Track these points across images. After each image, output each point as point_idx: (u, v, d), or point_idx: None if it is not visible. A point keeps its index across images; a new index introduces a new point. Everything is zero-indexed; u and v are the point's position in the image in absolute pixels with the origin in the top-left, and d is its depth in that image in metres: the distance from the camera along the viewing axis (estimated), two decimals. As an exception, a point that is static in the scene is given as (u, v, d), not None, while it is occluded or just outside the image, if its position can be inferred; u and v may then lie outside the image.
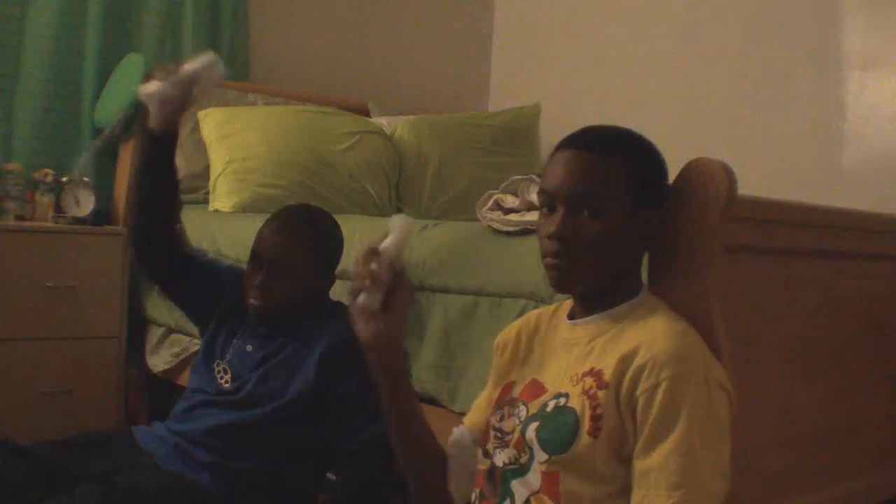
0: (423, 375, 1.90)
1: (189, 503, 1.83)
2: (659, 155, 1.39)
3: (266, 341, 1.99)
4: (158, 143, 1.98)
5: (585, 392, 1.27)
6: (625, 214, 1.32)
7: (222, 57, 3.31)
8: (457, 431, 1.49)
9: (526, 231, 1.80)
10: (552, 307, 1.51)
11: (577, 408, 1.28)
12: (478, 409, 1.52)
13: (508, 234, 1.84)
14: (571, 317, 1.42)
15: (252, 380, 1.94)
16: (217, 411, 1.95)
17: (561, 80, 3.76)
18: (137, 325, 2.91)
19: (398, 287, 1.35)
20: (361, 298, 1.36)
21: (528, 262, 1.74)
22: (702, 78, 3.27)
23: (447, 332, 1.87)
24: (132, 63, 3.08)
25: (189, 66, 1.91)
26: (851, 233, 1.76)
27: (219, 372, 1.99)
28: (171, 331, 2.78)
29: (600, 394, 1.26)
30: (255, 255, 1.99)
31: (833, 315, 1.74)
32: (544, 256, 1.34)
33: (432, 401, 1.90)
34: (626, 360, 1.25)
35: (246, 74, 3.43)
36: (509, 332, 1.51)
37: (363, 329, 1.36)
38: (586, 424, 1.26)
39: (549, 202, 1.35)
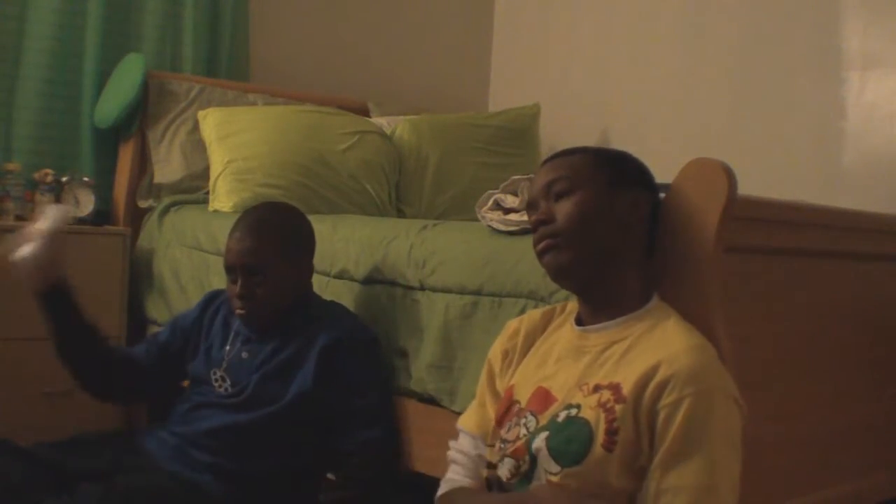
0: (423, 375, 1.90)
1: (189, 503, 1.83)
2: (629, 154, 1.46)
3: (261, 346, 1.99)
4: (52, 302, 1.98)
5: (601, 405, 1.27)
6: (599, 192, 1.37)
7: (222, 57, 3.36)
8: (460, 455, 1.50)
9: (526, 231, 1.80)
10: (557, 307, 1.51)
11: (591, 420, 1.27)
12: (478, 413, 1.52)
13: (508, 233, 1.84)
14: (579, 322, 1.42)
15: (252, 383, 1.95)
16: (217, 413, 1.95)
17: (561, 80, 3.76)
18: (137, 325, 2.91)
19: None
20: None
21: (527, 262, 1.74)
22: (702, 78, 3.27)
23: (447, 332, 1.87)
24: (132, 63, 3.08)
25: (44, 224, 1.94)
26: (851, 233, 1.76)
27: (216, 380, 1.99)
28: (171, 331, 2.78)
29: (618, 408, 1.25)
30: (228, 267, 2.00)
31: (833, 315, 1.74)
32: (535, 247, 1.40)
33: (432, 401, 1.90)
34: (646, 376, 1.25)
35: (246, 74, 3.43)
36: (513, 335, 1.51)
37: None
38: (601, 437, 1.25)
39: (533, 209, 1.43)
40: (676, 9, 3.37)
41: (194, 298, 2.66)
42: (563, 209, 1.37)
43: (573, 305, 1.47)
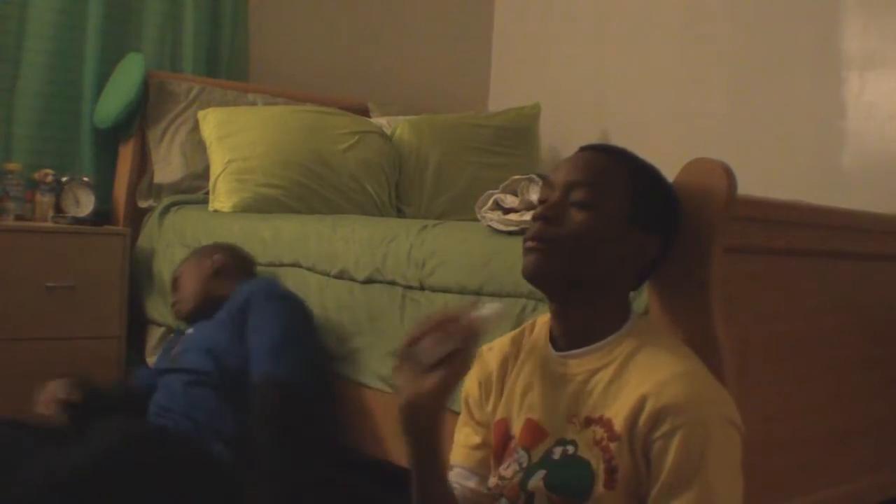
0: (423, 375, 1.90)
1: (197, 453, 1.93)
2: (668, 184, 1.37)
3: (203, 321, 2.27)
4: None
5: (597, 443, 1.24)
6: (615, 221, 1.29)
7: (223, 57, 3.36)
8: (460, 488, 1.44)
9: (526, 231, 1.80)
10: (526, 327, 1.45)
11: (591, 460, 1.25)
12: (467, 445, 1.46)
13: (508, 233, 1.84)
14: (554, 343, 1.36)
15: (192, 348, 2.16)
16: (171, 378, 2.15)
17: (561, 80, 3.76)
18: (137, 325, 2.91)
19: (464, 353, 1.26)
20: (421, 347, 1.26)
21: (528, 262, 1.74)
22: (702, 78, 3.27)
23: (447, 332, 1.86)
24: (132, 63, 3.08)
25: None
26: (851, 233, 1.76)
27: (173, 357, 2.25)
28: (171, 331, 2.78)
29: (612, 446, 1.23)
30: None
31: (833, 315, 1.74)
32: (525, 241, 1.32)
33: (432, 401, 1.89)
34: (635, 410, 1.21)
35: (246, 74, 3.43)
36: (486, 365, 1.44)
37: (409, 382, 1.26)
38: (602, 477, 1.23)
39: (547, 194, 1.34)
40: (676, 9, 3.37)
41: (194, 298, 2.66)
42: (573, 219, 1.28)
43: (542, 319, 1.42)
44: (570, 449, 1.28)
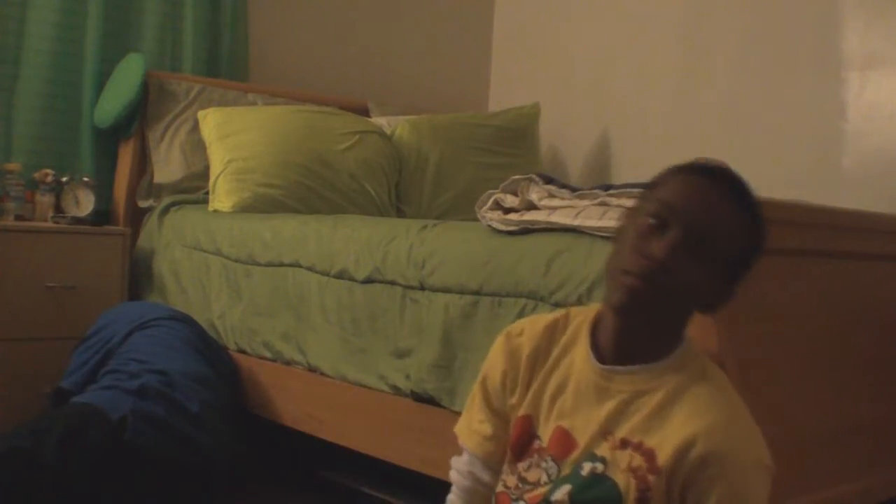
0: (423, 375, 1.90)
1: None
2: (766, 232, 1.31)
3: None
4: None
5: (632, 470, 1.23)
6: (719, 277, 1.27)
7: (222, 57, 3.36)
8: (466, 479, 1.43)
9: (526, 231, 1.80)
10: (560, 319, 1.39)
11: (621, 483, 1.24)
12: (479, 433, 1.43)
13: (508, 233, 1.84)
14: (596, 351, 1.32)
15: None
16: None
17: (561, 80, 3.76)
18: (137, 325, 2.90)
19: None
20: None
21: (527, 262, 1.74)
22: (702, 78, 3.27)
23: (447, 332, 1.87)
24: (132, 63, 3.08)
25: None
26: (851, 233, 1.76)
27: None
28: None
29: (651, 478, 1.22)
30: None
31: (833, 315, 1.74)
32: (625, 271, 1.23)
33: (432, 401, 1.90)
34: (683, 450, 1.21)
35: (246, 74, 3.43)
36: (513, 355, 1.38)
37: None
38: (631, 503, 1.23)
39: (661, 218, 1.24)
40: (677, 9, 3.37)
41: (194, 299, 2.67)
42: (686, 272, 1.22)
43: (580, 316, 1.37)
44: (599, 467, 1.26)
